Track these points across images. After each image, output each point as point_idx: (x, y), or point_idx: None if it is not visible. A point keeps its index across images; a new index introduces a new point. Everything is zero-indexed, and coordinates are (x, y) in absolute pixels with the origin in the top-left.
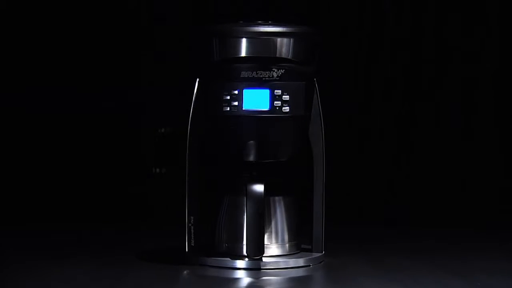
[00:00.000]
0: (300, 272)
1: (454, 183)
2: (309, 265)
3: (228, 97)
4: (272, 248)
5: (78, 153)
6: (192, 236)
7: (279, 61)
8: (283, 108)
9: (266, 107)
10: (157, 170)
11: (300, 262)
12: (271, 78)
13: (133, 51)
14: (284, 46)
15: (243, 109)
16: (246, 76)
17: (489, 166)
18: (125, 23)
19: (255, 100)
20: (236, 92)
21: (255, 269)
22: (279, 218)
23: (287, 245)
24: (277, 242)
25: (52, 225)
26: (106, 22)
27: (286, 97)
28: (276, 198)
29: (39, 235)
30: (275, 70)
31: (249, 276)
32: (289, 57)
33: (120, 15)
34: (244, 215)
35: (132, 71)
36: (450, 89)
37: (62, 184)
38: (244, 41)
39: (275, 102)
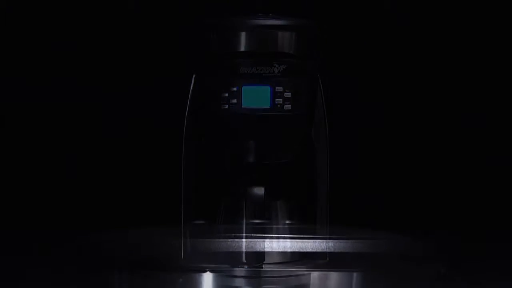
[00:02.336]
0: (302, 280)
1: (460, 185)
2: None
3: (227, 94)
4: (273, 255)
5: (72, 152)
6: (188, 242)
7: (280, 56)
8: (284, 106)
9: (266, 105)
10: None
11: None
12: (272, 74)
13: (130, 48)
14: (286, 40)
15: (243, 107)
16: (245, 72)
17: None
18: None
19: (255, 97)
20: (235, 89)
21: (255, 277)
22: (280, 223)
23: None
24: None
25: (38, 228)
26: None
27: (288, 95)
28: (278, 202)
29: (23, 240)
30: (276, 66)
31: (249, 284)
32: (291, 52)
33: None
34: (243, 219)
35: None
36: (458, 89)
37: (54, 186)
38: (243, 34)
39: (276, 99)
